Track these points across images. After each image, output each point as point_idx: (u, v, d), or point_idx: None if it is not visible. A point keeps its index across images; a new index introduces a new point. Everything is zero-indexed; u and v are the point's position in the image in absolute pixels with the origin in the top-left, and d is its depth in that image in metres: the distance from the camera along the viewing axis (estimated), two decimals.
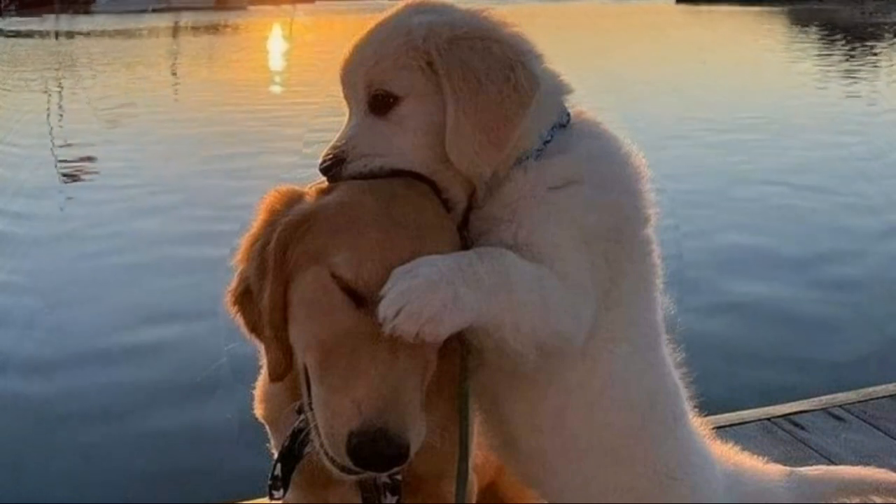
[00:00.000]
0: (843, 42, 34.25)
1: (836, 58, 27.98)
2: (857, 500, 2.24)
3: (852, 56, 28.63)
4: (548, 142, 1.69)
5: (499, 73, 1.60)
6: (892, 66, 26.16)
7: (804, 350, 5.79)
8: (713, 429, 2.16)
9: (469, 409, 1.72)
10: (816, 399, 3.80)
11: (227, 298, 1.70)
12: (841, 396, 3.82)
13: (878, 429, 3.52)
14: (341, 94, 1.75)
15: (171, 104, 20.24)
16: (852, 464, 2.60)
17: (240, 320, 1.70)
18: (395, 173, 1.65)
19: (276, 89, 23.55)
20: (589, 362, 1.72)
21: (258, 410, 1.89)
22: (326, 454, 1.51)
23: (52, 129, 16.05)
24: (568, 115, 1.75)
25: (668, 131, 13.63)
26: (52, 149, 13.90)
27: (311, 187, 1.71)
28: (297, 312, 1.59)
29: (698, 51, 31.39)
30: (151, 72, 27.37)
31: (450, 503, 1.71)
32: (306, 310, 1.57)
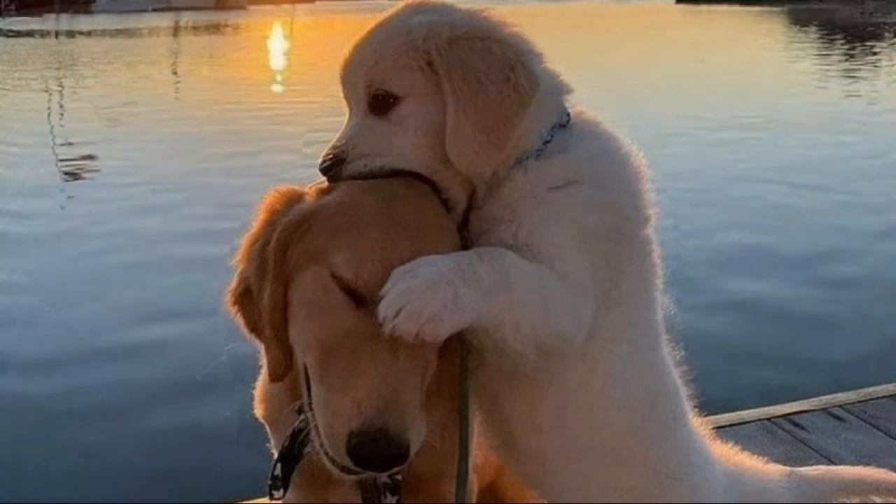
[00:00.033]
0: (843, 42, 34.27)
1: (835, 57, 27.99)
2: (857, 500, 2.24)
3: (852, 56, 28.64)
4: (548, 142, 1.69)
5: (499, 73, 1.59)
6: (892, 65, 26.17)
7: (804, 349, 5.79)
8: (713, 429, 2.16)
9: (469, 409, 1.72)
10: (816, 399, 3.80)
11: (227, 298, 1.70)
12: (841, 396, 3.81)
13: (878, 429, 3.52)
14: (341, 94, 1.75)
15: (171, 103, 20.26)
16: (852, 464, 2.60)
17: (240, 320, 1.70)
18: (395, 173, 1.65)
19: (277, 88, 23.57)
20: (589, 362, 1.72)
21: (258, 410, 1.89)
22: (326, 454, 1.51)
23: (52, 127, 16.08)
24: (568, 115, 1.75)
25: (667, 130, 13.65)
26: (52, 147, 13.93)
27: (311, 187, 1.71)
28: (297, 312, 1.59)
29: (697, 50, 31.40)
30: (152, 71, 27.41)
31: (450, 503, 1.71)
32: (306, 310, 1.57)
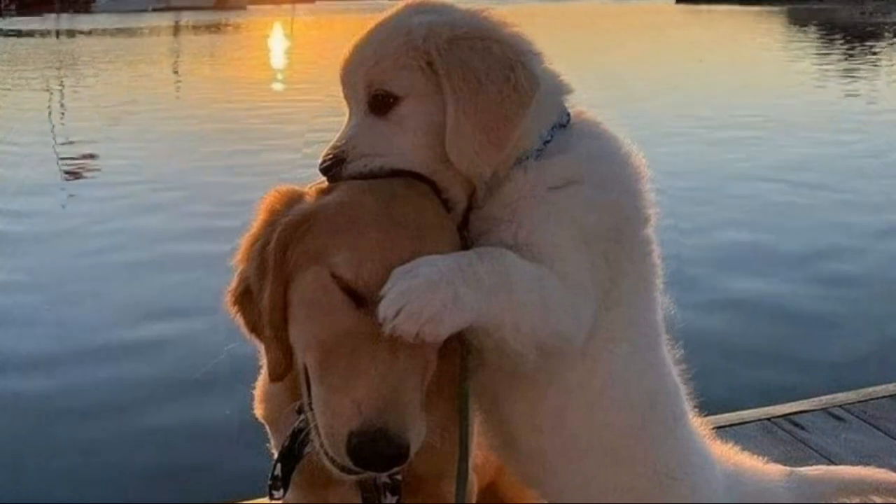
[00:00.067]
0: (842, 41, 34.29)
1: (834, 57, 28.02)
2: (857, 500, 2.24)
3: (851, 55, 28.66)
4: (548, 142, 1.69)
5: (499, 73, 1.59)
6: (892, 65, 26.17)
7: (804, 348, 5.79)
8: (713, 429, 2.16)
9: (469, 409, 1.72)
10: (816, 399, 3.80)
11: (227, 298, 1.70)
12: (841, 396, 3.81)
13: (878, 429, 3.52)
14: (341, 94, 1.75)
15: (172, 101, 20.30)
16: (852, 464, 2.60)
17: (240, 320, 1.70)
18: (395, 173, 1.65)
19: (278, 86, 23.60)
20: (589, 362, 1.72)
21: (258, 410, 1.89)
22: (326, 454, 1.51)
23: (53, 126, 16.11)
24: (568, 115, 1.75)
25: (666, 129, 13.67)
26: (53, 146, 13.96)
27: (311, 187, 1.71)
28: (297, 312, 1.58)
29: (697, 50, 31.43)
30: (153, 69, 27.46)
31: (450, 503, 1.71)
32: (306, 310, 1.57)
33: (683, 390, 1.94)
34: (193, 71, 28.27)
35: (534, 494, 2.05)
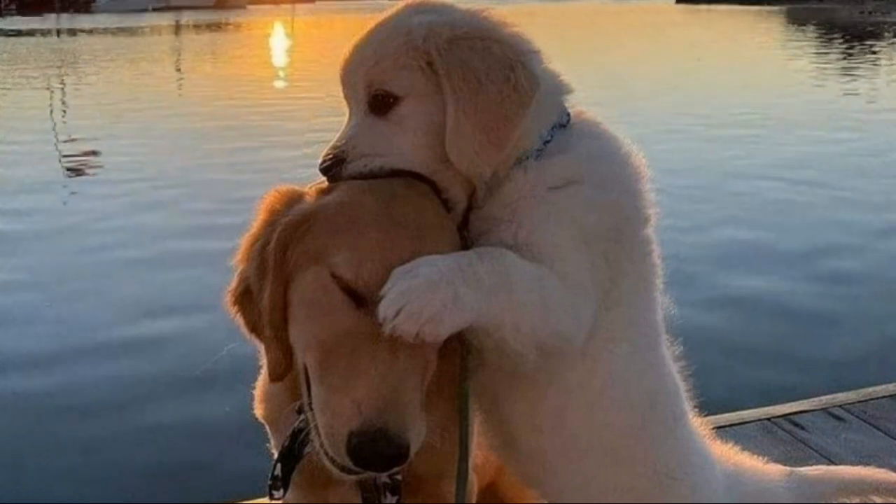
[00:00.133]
0: (842, 41, 34.30)
1: (833, 56, 28.05)
2: (857, 500, 2.23)
3: (850, 55, 28.69)
4: (548, 142, 1.69)
5: (499, 73, 1.59)
6: (892, 64, 26.18)
7: (803, 347, 5.79)
8: (713, 429, 2.16)
9: (469, 409, 1.72)
10: (816, 399, 3.80)
11: (227, 298, 1.70)
12: (841, 396, 3.81)
13: (878, 429, 3.52)
14: (341, 94, 1.74)
15: (174, 99, 20.35)
16: (852, 464, 2.60)
17: (240, 320, 1.70)
18: (395, 173, 1.65)
19: (278, 85, 23.63)
20: (589, 362, 1.72)
21: (258, 410, 1.89)
22: (326, 454, 1.51)
23: (55, 124, 16.15)
24: (568, 115, 1.75)
25: (665, 127, 13.69)
26: (55, 144, 13.99)
27: (311, 187, 1.71)
28: (297, 312, 1.58)
29: (696, 49, 31.46)
30: (154, 67, 27.51)
31: (450, 503, 1.71)
32: (306, 310, 1.57)
33: (683, 390, 1.94)
34: (195, 69, 28.32)
35: (534, 494, 2.05)
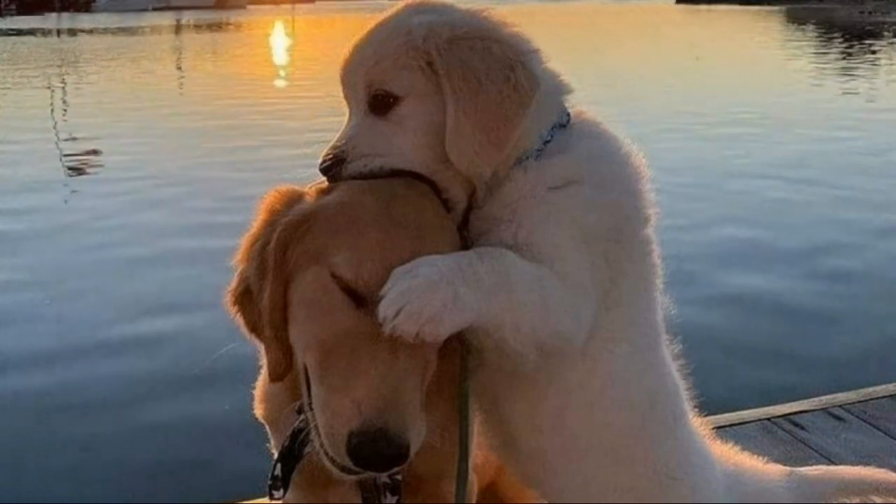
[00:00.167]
0: (841, 40, 34.31)
1: (832, 55, 28.07)
2: (857, 500, 2.23)
3: (850, 54, 28.70)
4: (548, 142, 1.69)
5: (499, 73, 1.59)
6: (891, 64, 26.19)
7: (803, 346, 5.79)
8: (713, 429, 2.16)
9: (469, 409, 1.71)
10: (816, 399, 3.80)
11: (227, 298, 1.70)
12: (841, 396, 3.81)
13: (878, 429, 3.52)
14: (341, 94, 1.74)
15: (175, 98, 20.38)
16: (852, 464, 2.60)
17: (240, 320, 1.70)
18: (395, 173, 1.65)
19: (279, 84, 23.65)
20: (589, 362, 1.72)
21: (258, 410, 1.89)
22: (326, 454, 1.51)
23: (56, 123, 16.18)
24: (568, 115, 1.75)
25: (663, 125, 13.72)
26: (56, 143, 14.01)
27: (311, 187, 1.71)
28: (297, 312, 1.58)
29: (695, 49, 31.48)
30: (155, 66, 27.54)
31: (450, 503, 1.71)
32: (306, 310, 1.57)
33: (683, 390, 1.94)
34: (196, 67, 28.33)
35: (534, 494, 2.05)
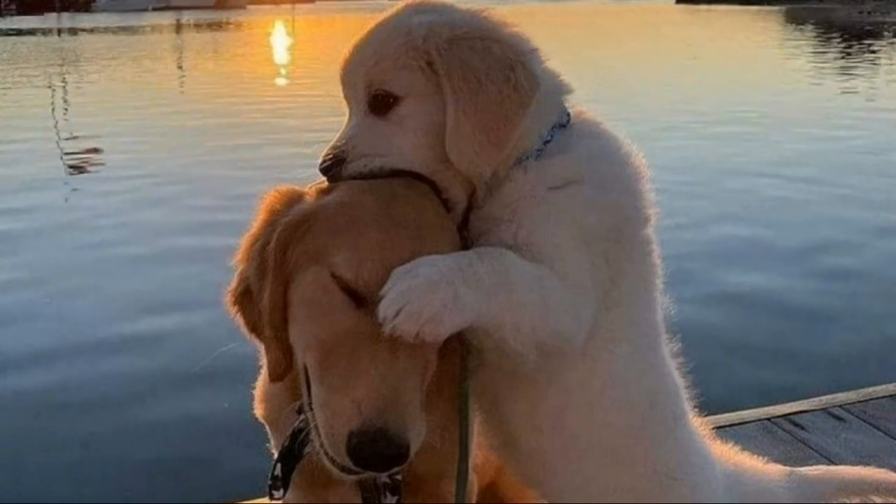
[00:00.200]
0: (840, 40, 34.32)
1: (831, 55, 28.08)
2: (857, 500, 2.23)
3: (849, 54, 28.71)
4: (548, 142, 1.69)
5: (499, 73, 1.59)
6: (891, 63, 26.19)
7: (802, 344, 5.78)
8: (713, 429, 2.16)
9: (469, 409, 1.71)
10: (816, 399, 3.80)
11: (227, 298, 1.70)
12: (841, 396, 3.81)
13: (878, 429, 3.52)
14: (341, 94, 1.74)
15: (175, 96, 20.41)
16: (852, 464, 2.59)
17: (240, 320, 1.70)
18: (395, 173, 1.65)
19: (279, 82, 23.67)
20: (589, 362, 1.72)
21: (258, 410, 1.89)
22: (326, 454, 1.51)
23: (57, 122, 16.19)
24: (568, 114, 1.75)
25: (662, 124, 13.72)
26: (57, 142, 14.02)
27: (311, 187, 1.70)
28: (297, 312, 1.58)
29: (695, 48, 31.49)
30: (156, 65, 27.56)
31: (450, 503, 1.71)
32: (306, 310, 1.57)
33: (683, 389, 1.94)
34: (196, 66, 28.35)
35: (534, 494, 2.05)
